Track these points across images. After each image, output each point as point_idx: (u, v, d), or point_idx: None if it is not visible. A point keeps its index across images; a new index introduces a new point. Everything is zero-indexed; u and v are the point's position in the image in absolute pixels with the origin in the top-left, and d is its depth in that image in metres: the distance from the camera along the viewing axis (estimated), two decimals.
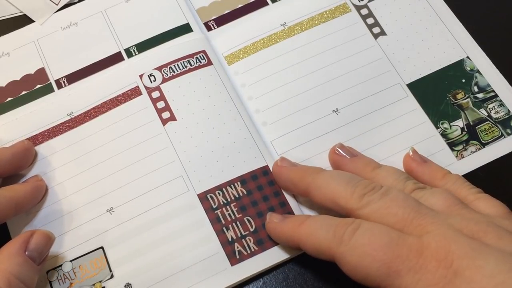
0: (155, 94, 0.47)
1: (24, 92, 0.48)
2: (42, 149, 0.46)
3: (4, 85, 0.49)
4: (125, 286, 0.41)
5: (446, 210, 0.37)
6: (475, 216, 0.36)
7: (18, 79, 0.49)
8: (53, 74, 0.49)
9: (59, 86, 0.49)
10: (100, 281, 0.41)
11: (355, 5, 0.51)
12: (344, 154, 0.44)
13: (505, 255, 0.31)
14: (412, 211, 0.35)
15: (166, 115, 0.46)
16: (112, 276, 0.42)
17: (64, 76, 0.49)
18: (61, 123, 0.47)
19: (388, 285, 0.34)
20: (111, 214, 0.43)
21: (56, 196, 0.44)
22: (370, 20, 0.50)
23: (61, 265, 0.42)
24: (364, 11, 0.51)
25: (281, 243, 0.42)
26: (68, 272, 0.42)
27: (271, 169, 0.44)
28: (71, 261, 0.42)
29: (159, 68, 0.48)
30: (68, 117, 0.47)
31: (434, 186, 0.41)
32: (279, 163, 0.44)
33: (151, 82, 0.48)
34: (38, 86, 0.49)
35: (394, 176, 0.40)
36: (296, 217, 0.40)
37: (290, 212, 0.43)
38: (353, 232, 0.35)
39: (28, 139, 0.46)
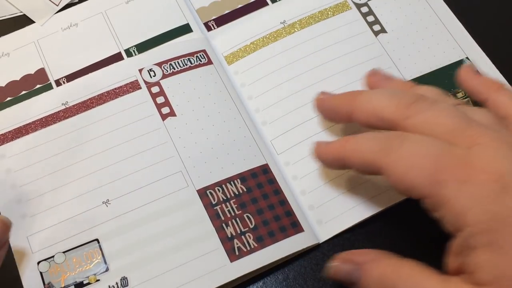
0: (155, 89, 0.47)
1: (24, 92, 0.48)
2: (35, 137, 0.46)
3: (4, 85, 0.49)
4: (120, 279, 0.41)
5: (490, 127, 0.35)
6: None
7: (18, 79, 0.49)
8: (53, 74, 0.49)
9: (59, 86, 0.49)
10: (94, 274, 0.41)
11: (355, 3, 0.51)
12: (381, 77, 0.43)
13: None
14: (463, 121, 0.34)
15: (165, 110, 0.46)
16: (107, 269, 0.41)
17: (64, 77, 0.49)
18: (56, 112, 0.47)
19: (434, 194, 0.33)
20: (107, 206, 0.43)
21: (49, 186, 0.44)
22: (370, 18, 0.51)
23: (53, 256, 0.42)
24: (364, 9, 0.51)
25: (328, 165, 0.41)
26: (60, 263, 0.41)
27: (271, 167, 0.44)
28: (64, 252, 0.42)
29: (159, 64, 0.48)
30: (63, 107, 0.47)
31: (488, 97, 0.40)
32: (321, 95, 0.43)
33: (151, 77, 0.48)
34: (38, 86, 0.49)
35: (433, 92, 0.40)
36: (342, 138, 0.40)
37: (290, 211, 0.43)
38: (401, 143, 0.34)
39: (21, 127, 0.46)
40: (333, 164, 0.40)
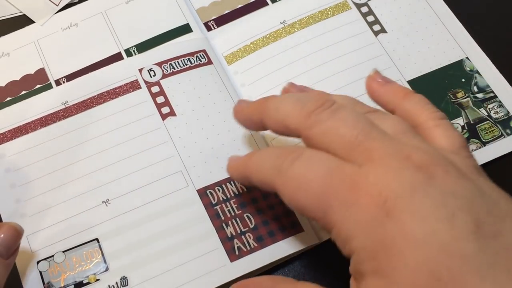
0: (155, 89, 0.47)
1: (23, 92, 0.48)
2: (35, 136, 0.46)
3: (3, 85, 0.49)
4: (120, 279, 0.41)
5: (395, 137, 0.33)
6: (425, 145, 0.33)
7: (18, 79, 0.49)
8: (53, 75, 0.49)
9: (59, 86, 0.49)
10: (94, 274, 0.41)
11: (355, 3, 0.51)
12: (295, 91, 0.41)
13: (446, 198, 0.29)
14: (361, 133, 0.32)
15: (165, 110, 0.46)
16: (107, 269, 0.41)
17: (64, 77, 0.49)
18: (56, 112, 0.47)
19: (321, 218, 0.31)
20: (107, 205, 0.43)
21: (49, 185, 0.44)
22: (370, 18, 0.51)
23: (52, 256, 0.42)
24: (364, 9, 0.51)
25: (241, 183, 0.41)
26: (60, 263, 0.41)
27: None
28: (64, 251, 0.42)
29: (159, 64, 0.48)
30: (63, 106, 0.47)
31: (395, 107, 0.38)
32: (236, 105, 0.41)
33: (151, 77, 0.48)
34: (38, 86, 0.49)
35: (346, 99, 0.38)
36: (248, 153, 0.38)
37: (290, 211, 0.42)
38: (292, 162, 0.33)
39: (21, 126, 0.46)
40: (242, 181, 0.40)
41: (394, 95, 0.39)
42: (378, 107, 0.38)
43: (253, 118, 0.39)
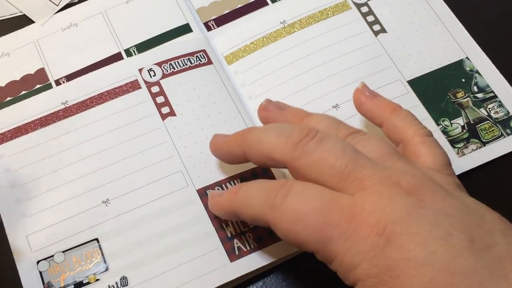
0: (155, 89, 0.47)
1: (23, 92, 0.48)
2: (34, 136, 0.46)
3: (3, 85, 0.49)
4: (120, 279, 0.41)
5: (379, 160, 0.34)
6: (410, 168, 0.34)
7: (18, 79, 0.49)
8: (53, 75, 0.49)
9: (59, 86, 0.49)
10: (94, 274, 0.41)
11: (355, 3, 0.51)
12: (273, 109, 0.41)
13: (439, 218, 0.30)
14: (350, 162, 0.33)
15: (165, 110, 0.46)
16: (107, 269, 0.41)
17: (64, 77, 0.49)
18: (55, 112, 0.47)
19: (321, 250, 0.32)
20: (107, 205, 0.43)
21: (49, 185, 0.44)
22: (370, 18, 0.51)
23: (52, 256, 0.42)
24: (364, 9, 0.51)
25: (226, 219, 0.41)
26: (60, 263, 0.41)
27: None
28: (63, 251, 0.42)
29: (159, 64, 0.48)
30: (63, 106, 0.47)
31: (383, 121, 0.39)
32: (212, 140, 0.42)
33: (151, 77, 0.48)
34: (38, 86, 0.49)
35: (325, 122, 0.38)
36: (233, 188, 0.39)
37: None
38: (284, 196, 0.33)
39: (20, 126, 0.46)
40: (228, 217, 0.40)
41: (382, 110, 0.40)
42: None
43: (234, 151, 0.39)
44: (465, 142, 0.46)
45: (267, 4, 0.52)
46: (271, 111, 0.41)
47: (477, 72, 0.49)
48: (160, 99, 0.47)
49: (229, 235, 0.42)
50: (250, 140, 0.37)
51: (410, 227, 0.30)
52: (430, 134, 0.38)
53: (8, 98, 0.48)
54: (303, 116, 0.40)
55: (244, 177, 0.44)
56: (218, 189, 0.43)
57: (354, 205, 0.32)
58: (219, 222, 0.42)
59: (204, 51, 0.49)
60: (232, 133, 0.40)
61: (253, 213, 0.35)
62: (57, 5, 0.52)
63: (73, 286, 0.41)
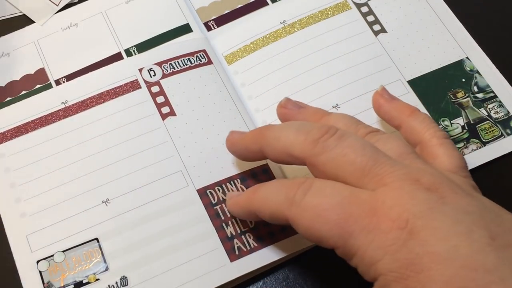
0: (155, 89, 0.47)
1: (23, 92, 0.48)
2: (34, 136, 0.46)
3: (3, 85, 0.49)
4: (120, 279, 0.41)
5: (398, 159, 0.35)
6: (429, 167, 0.34)
7: (18, 79, 0.49)
8: (53, 74, 0.49)
9: (59, 86, 0.49)
10: (94, 273, 0.41)
11: (355, 3, 0.51)
12: (292, 107, 0.42)
13: (460, 214, 0.30)
14: (370, 159, 0.33)
15: (165, 110, 0.46)
16: (107, 269, 0.41)
17: (64, 76, 0.49)
18: (55, 111, 0.47)
19: (342, 245, 0.32)
20: (107, 205, 0.43)
21: (49, 185, 0.44)
22: (370, 18, 0.51)
23: (52, 255, 0.42)
24: (364, 9, 0.51)
25: (244, 218, 0.41)
26: (60, 262, 0.41)
27: (270, 167, 0.44)
28: (63, 251, 0.42)
29: (159, 64, 0.48)
30: (63, 106, 0.47)
31: (401, 123, 0.40)
32: (229, 136, 0.42)
33: (151, 77, 0.48)
34: (38, 86, 0.49)
35: (344, 121, 0.39)
36: (251, 187, 0.39)
37: None
38: (304, 193, 0.34)
39: (20, 126, 0.46)
40: (246, 216, 0.40)
41: (400, 112, 0.41)
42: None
43: (251, 147, 0.39)
44: (465, 142, 0.46)
45: (267, 4, 0.52)
46: (290, 109, 0.42)
47: (477, 72, 0.49)
48: (160, 99, 0.47)
49: (229, 235, 0.42)
50: (269, 137, 0.38)
51: (432, 222, 0.30)
52: (447, 136, 0.39)
53: (8, 98, 0.48)
54: (322, 114, 0.40)
55: (243, 177, 0.44)
56: (218, 189, 0.43)
57: (375, 200, 0.32)
58: (219, 222, 0.42)
59: (204, 51, 0.49)
60: (249, 130, 0.40)
61: (272, 210, 0.36)
62: (57, 5, 0.52)
63: (73, 286, 0.41)
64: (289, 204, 0.34)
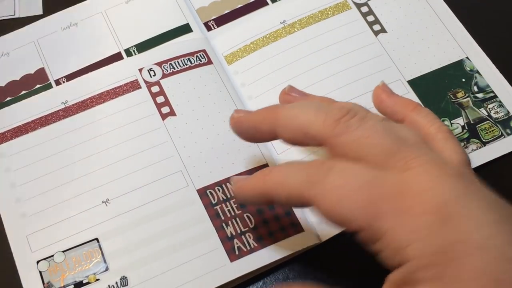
0: (155, 89, 0.47)
1: (23, 92, 0.49)
2: (35, 136, 0.46)
3: (3, 85, 0.49)
4: (120, 279, 0.41)
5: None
6: (440, 156, 0.34)
7: (18, 79, 0.49)
8: (53, 74, 0.49)
9: (59, 86, 0.49)
10: (94, 273, 0.41)
11: (355, 3, 0.51)
12: (296, 94, 0.40)
13: (490, 203, 0.29)
14: (394, 142, 0.32)
15: (165, 110, 0.46)
16: (107, 269, 0.41)
17: (64, 76, 0.49)
18: (56, 111, 0.47)
19: (367, 228, 0.30)
20: (106, 205, 0.43)
21: (49, 185, 0.44)
22: (370, 18, 0.51)
23: (52, 256, 0.42)
24: (364, 9, 0.51)
25: (250, 203, 0.40)
26: (60, 263, 0.41)
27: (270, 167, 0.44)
28: (63, 251, 0.42)
29: (159, 64, 0.48)
30: (63, 106, 0.47)
31: (405, 116, 0.38)
32: (234, 114, 0.39)
33: (151, 77, 0.48)
34: (38, 86, 0.49)
35: (358, 105, 0.36)
36: (261, 171, 0.37)
37: (290, 210, 0.43)
38: (327, 173, 0.32)
39: (21, 126, 0.46)
40: (256, 201, 0.38)
41: (403, 107, 0.39)
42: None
43: (261, 127, 0.37)
44: (465, 142, 0.46)
45: (267, 4, 0.52)
46: (294, 97, 0.40)
47: (477, 72, 0.49)
48: (160, 99, 0.47)
49: (229, 235, 0.42)
50: (284, 116, 0.36)
51: (464, 209, 0.29)
52: (451, 132, 0.38)
53: (8, 98, 0.48)
54: (330, 101, 0.39)
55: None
56: (218, 189, 0.43)
57: (404, 182, 0.30)
58: (219, 222, 0.42)
59: (204, 51, 0.49)
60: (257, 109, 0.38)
61: (290, 192, 0.34)
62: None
63: (73, 286, 0.41)
64: (310, 184, 0.32)
